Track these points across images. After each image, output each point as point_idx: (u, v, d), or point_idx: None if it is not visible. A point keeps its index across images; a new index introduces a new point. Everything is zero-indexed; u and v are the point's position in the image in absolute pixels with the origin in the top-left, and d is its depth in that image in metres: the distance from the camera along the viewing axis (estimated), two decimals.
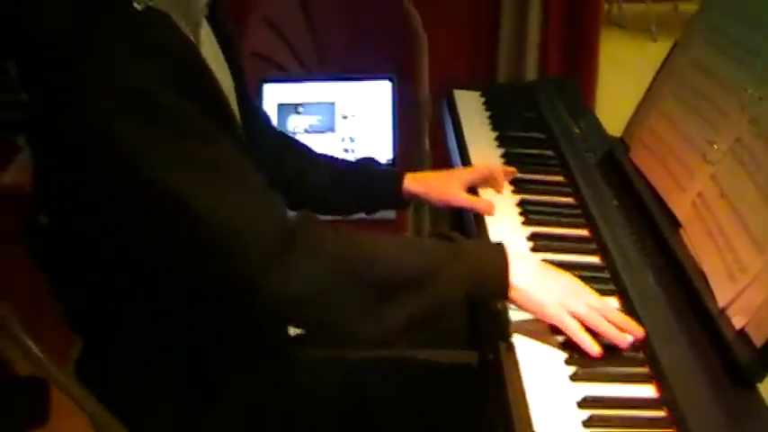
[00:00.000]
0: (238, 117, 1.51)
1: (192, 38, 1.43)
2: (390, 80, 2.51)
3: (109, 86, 1.23)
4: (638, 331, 1.36)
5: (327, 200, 1.88)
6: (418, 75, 2.63)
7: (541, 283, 1.40)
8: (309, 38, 2.80)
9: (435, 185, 1.84)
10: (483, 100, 2.32)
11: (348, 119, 2.52)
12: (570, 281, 1.43)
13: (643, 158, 1.82)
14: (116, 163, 1.25)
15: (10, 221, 1.58)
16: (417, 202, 1.91)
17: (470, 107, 2.29)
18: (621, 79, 4.81)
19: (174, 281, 1.38)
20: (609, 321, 1.36)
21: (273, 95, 2.51)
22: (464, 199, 1.80)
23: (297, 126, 2.51)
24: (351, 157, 2.44)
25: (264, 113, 1.94)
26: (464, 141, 2.10)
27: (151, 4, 1.32)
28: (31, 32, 1.29)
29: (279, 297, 1.30)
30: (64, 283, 1.51)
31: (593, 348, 1.33)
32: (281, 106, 2.52)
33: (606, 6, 4.55)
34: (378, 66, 2.60)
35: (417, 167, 2.52)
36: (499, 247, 1.44)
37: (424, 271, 1.36)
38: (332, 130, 2.52)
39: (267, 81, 2.52)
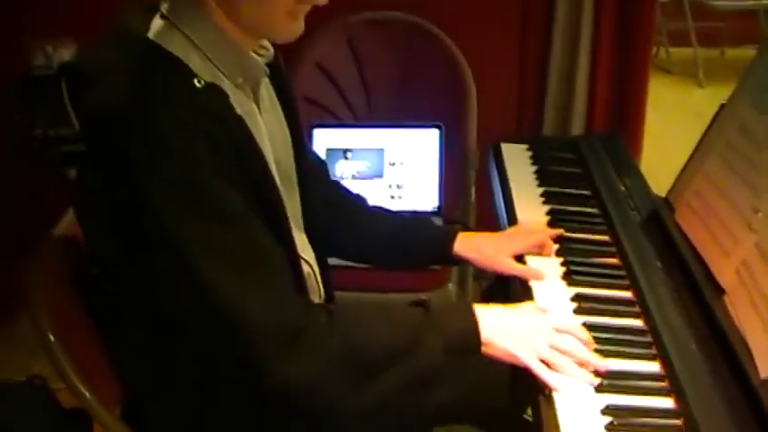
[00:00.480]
0: (284, 197, 1.56)
1: (251, 100, 1.53)
2: (438, 128, 2.54)
3: (158, 169, 1.30)
4: (601, 365, 1.48)
5: (377, 253, 1.94)
6: (466, 124, 2.67)
7: (509, 334, 1.51)
8: (360, 84, 2.84)
9: (485, 252, 1.87)
10: (530, 154, 2.34)
11: (396, 166, 2.55)
12: (534, 322, 1.55)
13: (688, 221, 1.83)
14: (154, 240, 1.33)
15: (65, 267, 1.63)
16: (466, 263, 1.94)
17: (517, 161, 2.31)
18: (667, 125, 4.84)
19: (196, 354, 1.45)
20: (572, 356, 1.48)
21: (323, 140, 2.55)
22: (513, 267, 1.83)
23: (345, 171, 2.55)
24: (397, 203, 2.49)
25: (321, 161, 2.00)
26: (510, 196, 2.13)
27: (212, 80, 1.39)
28: (94, 102, 1.35)
29: (281, 383, 1.36)
30: (107, 331, 1.58)
31: (557, 385, 1.44)
32: (329, 151, 2.56)
33: (653, 50, 4.55)
34: (426, 114, 2.64)
35: (462, 216, 2.57)
36: (467, 306, 1.53)
37: (402, 345, 1.45)
38: (379, 176, 2.56)
39: (317, 126, 2.56)
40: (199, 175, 1.31)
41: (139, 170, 1.30)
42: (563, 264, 1.81)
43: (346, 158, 2.56)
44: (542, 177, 2.21)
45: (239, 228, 1.36)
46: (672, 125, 4.98)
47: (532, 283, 1.77)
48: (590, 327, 1.57)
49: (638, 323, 1.62)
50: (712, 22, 5.93)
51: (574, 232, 1.94)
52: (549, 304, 1.66)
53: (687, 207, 1.86)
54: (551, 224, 1.98)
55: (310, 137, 2.53)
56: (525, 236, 1.91)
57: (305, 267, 1.67)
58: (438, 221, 2.48)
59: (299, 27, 1.46)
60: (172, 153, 1.30)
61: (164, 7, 1.45)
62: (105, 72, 1.37)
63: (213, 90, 1.38)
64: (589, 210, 2.05)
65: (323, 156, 2.52)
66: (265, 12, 1.41)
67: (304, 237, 1.73)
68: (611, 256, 1.86)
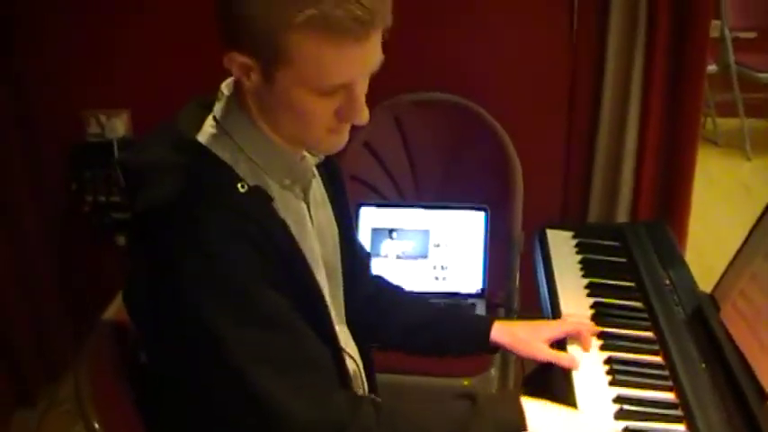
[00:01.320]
0: (328, 302, 1.59)
1: (300, 199, 1.57)
2: (484, 211, 2.55)
3: (202, 273, 1.34)
4: None
5: (415, 343, 1.94)
6: (512, 208, 2.68)
7: (554, 429, 1.53)
8: (407, 164, 2.87)
9: (521, 338, 1.87)
10: (575, 242, 2.35)
11: (440, 247, 2.57)
12: (579, 424, 1.57)
13: (733, 321, 1.82)
14: (199, 342, 1.36)
15: (114, 354, 1.65)
16: (504, 350, 1.94)
17: (562, 249, 2.31)
18: (714, 197, 4.81)
19: None
20: None
21: (369, 219, 2.58)
22: (549, 354, 1.83)
23: (390, 251, 2.57)
24: (441, 285, 2.50)
25: (366, 254, 2.00)
26: (555, 286, 2.13)
27: (257, 183, 1.42)
28: (144, 201, 1.39)
29: None
30: (153, 421, 1.59)
31: None
32: (375, 230, 2.58)
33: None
34: (472, 195, 2.65)
35: (506, 300, 2.57)
36: (514, 398, 1.56)
37: None
38: (424, 257, 2.57)
39: (364, 204, 2.58)
40: (242, 280, 1.35)
41: (184, 274, 1.34)
42: (606, 361, 1.81)
43: (391, 238, 2.58)
44: (587, 268, 2.21)
45: (283, 330, 1.40)
46: (718, 197, 4.95)
47: (575, 380, 1.76)
48: (632, 431, 1.57)
49: (680, 428, 1.61)
50: (760, 93, 5.90)
51: (618, 327, 1.93)
52: (590, 404, 1.66)
53: (732, 307, 1.85)
54: (595, 318, 1.98)
55: (356, 215, 2.55)
56: (560, 323, 1.93)
57: (348, 362, 1.69)
58: (481, 305, 2.49)
59: (342, 140, 1.49)
60: (216, 258, 1.33)
61: (216, 110, 1.50)
62: (156, 172, 1.41)
63: (257, 194, 1.42)
64: (633, 304, 2.04)
65: (368, 235, 2.55)
66: (306, 129, 1.45)
67: (347, 330, 1.75)
68: (655, 353, 1.85)
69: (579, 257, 2.27)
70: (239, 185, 1.40)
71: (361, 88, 1.42)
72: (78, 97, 3.21)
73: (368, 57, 1.37)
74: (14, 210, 3.04)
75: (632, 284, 2.13)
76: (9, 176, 3.01)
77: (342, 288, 1.73)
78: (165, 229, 1.36)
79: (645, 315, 1.99)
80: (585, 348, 1.86)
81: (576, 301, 2.06)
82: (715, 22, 5.30)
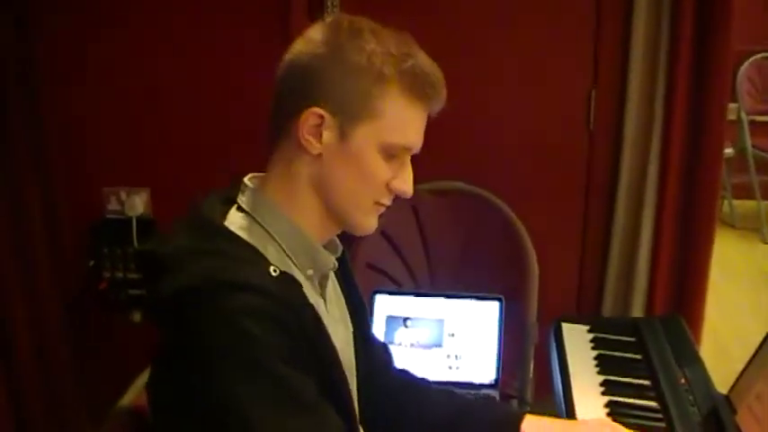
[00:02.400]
0: (351, 384, 1.60)
1: (318, 293, 1.58)
2: (499, 301, 2.55)
3: (232, 354, 1.34)
4: None
5: None
6: (527, 298, 2.68)
7: None
8: (423, 252, 2.88)
9: None
10: (590, 336, 2.35)
11: (455, 336, 2.56)
12: None
13: (748, 425, 1.81)
14: (226, 423, 1.35)
15: None
16: None
17: (577, 343, 2.32)
18: (730, 281, 4.80)
19: None
20: None
21: (383, 307, 2.57)
22: None
23: (404, 340, 2.56)
24: (455, 374, 2.49)
25: (386, 350, 1.99)
26: (569, 382, 2.12)
27: (287, 269, 1.44)
28: (172, 285, 1.39)
29: None
30: None
31: None
32: (389, 318, 2.57)
33: None
34: (487, 285, 2.65)
35: (520, 391, 2.56)
36: None
37: None
38: (438, 345, 2.56)
39: (379, 292, 2.58)
40: (272, 362, 1.35)
41: (214, 353, 1.34)
42: None
43: (406, 327, 2.57)
44: (603, 364, 2.21)
45: (311, 413, 1.40)
46: (735, 282, 4.94)
47: None
48: None
49: None
50: None
51: (633, 428, 1.91)
52: None
53: (748, 410, 1.84)
54: (610, 418, 1.96)
55: (371, 303, 2.55)
56: (594, 428, 1.85)
57: None
58: (494, 395, 2.48)
59: (375, 224, 1.56)
60: (246, 339, 1.33)
61: (242, 201, 1.53)
62: (186, 257, 1.42)
63: (288, 279, 1.44)
64: (648, 404, 2.04)
65: (382, 323, 2.54)
66: (359, 196, 1.50)
67: (360, 429, 1.74)
68: None
69: (595, 353, 2.27)
70: (271, 269, 1.42)
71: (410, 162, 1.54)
72: (99, 174, 3.24)
73: (423, 128, 1.53)
74: (34, 284, 3.05)
75: (648, 383, 2.12)
76: (30, 250, 3.03)
77: (356, 386, 1.73)
78: (195, 311, 1.36)
79: (660, 416, 1.99)
80: None
81: (590, 399, 2.06)
82: (731, 106, 5.36)
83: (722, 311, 4.08)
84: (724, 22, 2.78)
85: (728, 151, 5.45)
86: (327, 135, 1.45)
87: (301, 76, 1.46)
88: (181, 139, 3.18)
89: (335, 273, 1.70)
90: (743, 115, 5.76)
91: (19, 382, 2.95)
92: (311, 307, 1.45)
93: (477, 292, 2.58)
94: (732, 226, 5.91)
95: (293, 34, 1.51)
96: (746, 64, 5.84)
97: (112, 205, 3.26)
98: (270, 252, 1.48)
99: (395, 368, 1.97)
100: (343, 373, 1.54)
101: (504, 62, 3.02)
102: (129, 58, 3.11)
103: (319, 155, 1.47)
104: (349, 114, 1.44)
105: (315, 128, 1.45)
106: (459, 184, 2.85)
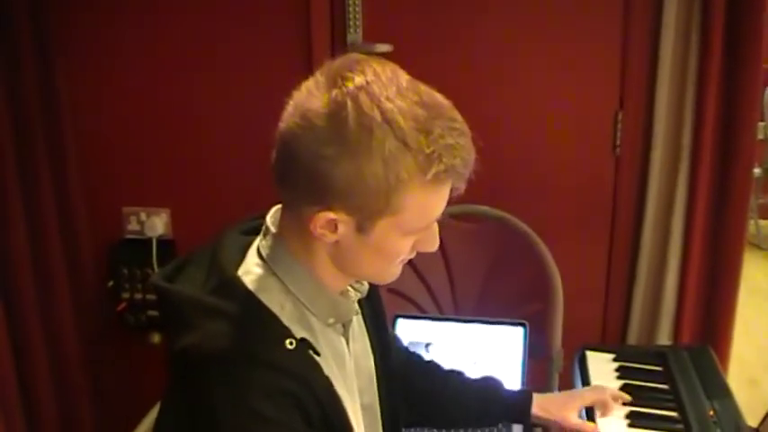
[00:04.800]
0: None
1: (340, 334, 1.55)
2: (523, 326, 2.50)
3: (241, 426, 1.32)
4: None
5: (454, 417, 2.00)
6: (552, 324, 2.63)
7: None
8: (446, 278, 2.84)
9: (550, 409, 1.98)
10: (615, 366, 2.30)
11: (478, 362, 2.51)
12: None
13: None
14: None
15: None
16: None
17: (602, 372, 2.27)
18: (757, 305, 4.73)
19: None
20: None
21: (406, 331, 2.53)
22: (574, 422, 1.95)
23: None
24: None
25: (407, 352, 2.05)
26: (593, 413, 2.08)
27: (301, 325, 1.40)
28: (189, 347, 1.37)
29: None
30: None
31: None
32: (411, 343, 2.52)
33: None
34: (511, 310, 2.61)
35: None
36: None
37: None
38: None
39: (401, 317, 2.54)
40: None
41: (225, 429, 1.32)
42: None
43: (428, 351, 2.53)
44: (628, 394, 2.16)
45: None
46: (762, 305, 4.88)
47: None
48: None
49: None
50: None
51: None
52: None
53: None
54: None
55: (393, 328, 2.51)
56: (587, 391, 2.09)
57: None
58: (518, 427, 2.43)
59: (398, 272, 1.50)
60: (259, 419, 1.31)
61: (262, 246, 1.48)
62: (195, 313, 1.39)
63: (303, 350, 1.40)
64: None
65: None
66: (382, 268, 1.46)
67: None
68: None
69: (620, 383, 2.22)
70: (287, 342, 1.38)
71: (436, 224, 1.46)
72: (119, 194, 3.23)
73: (447, 197, 1.41)
74: (52, 304, 3.04)
75: (675, 414, 2.08)
76: (49, 270, 3.02)
77: (380, 420, 1.70)
78: (206, 379, 1.34)
79: None
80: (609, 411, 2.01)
81: (615, 430, 2.01)
82: (759, 125, 5.30)
83: (749, 337, 4.03)
84: (753, 42, 2.73)
85: (756, 171, 5.39)
86: (343, 229, 1.37)
87: (306, 176, 1.33)
88: (201, 160, 3.17)
89: (363, 304, 1.68)
90: None
91: (35, 403, 2.94)
92: (327, 381, 1.42)
93: (501, 317, 2.54)
94: (758, 247, 5.86)
95: (315, 63, 1.40)
96: None
97: (132, 225, 3.25)
98: (287, 308, 1.44)
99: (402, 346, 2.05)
100: None
101: (528, 84, 2.98)
102: (149, 80, 3.11)
103: (337, 241, 1.40)
104: (366, 213, 1.34)
105: (328, 224, 1.37)
106: (484, 208, 2.80)
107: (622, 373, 2.28)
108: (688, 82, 2.83)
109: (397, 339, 2.02)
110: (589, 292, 3.08)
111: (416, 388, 1.93)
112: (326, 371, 1.43)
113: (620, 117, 2.97)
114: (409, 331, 2.54)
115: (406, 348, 2.03)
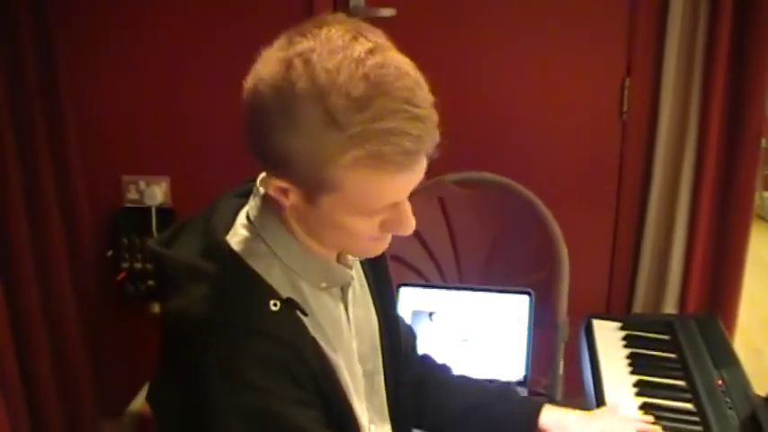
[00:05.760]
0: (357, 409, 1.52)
1: (336, 299, 1.52)
2: (528, 295, 2.47)
3: (233, 400, 1.30)
4: None
5: (462, 427, 1.86)
6: (557, 293, 2.59)
7: None
8: (450, 246, 2.80)
9: (568, 430, 1.78)
10: (622, 334, 2.27)
11: (482, 331, 2.48)
12: None
13: None
14: None
15: None
16: None
17: (609, 341, 2.24)
18: (760, 276, 4.69)
19: None
20: None
21: (409, 300, 2.50)
22: None
23: (429, 334, 2.49)
24: (481, 371, 2.42)
25: (412, 335, 1.96)
26: (600, 382, 2.06)
27: (291, 289, 1.37)
28: (177, 311, 1.35)
29: None
30: None
31: None
32: (415, 312, 2.50)
33: None
34: (517, 279, 2.58)
35: (549, 389, 2.48)
36: None
37: None
38: (465, 341, 2.48)
39: (404, 285, 2.51)
40: (275, 407, 1.31)
41: (215, 398, 1.30)
42: None
43: (431, 321, 2.50)
44: (635, 363, 2.13)
45: None
46: (765, 275, 4.84)
47: None
48: None
49: None
50: None
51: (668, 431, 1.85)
52: None
53: None
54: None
55: (396, 296, 2.47)
56: (613, 420, 1.83)
57: None
58: (523, 393, 2.40)
59: (384, 246, 1.44)
60: (247, 386, 1.29)
61: (250, 207, 1.45)
62: (183, 278, 1.36)
63: (288, 311, 1.37)
64: (684, 406, 1.96)
65: (408, 317, 2.47)
66: (349, 243, 1.41)
67: (389, 428, 1.68)
68: None
69: (627, 351, 2.19)
70: (271, 303, 1.35)
71: (407, 204, 1.37)
72: (119, 163, 3.19)
73: (414, 180, 1.31)
74: (51, 273, 3.01)
75: (683, 384, 2.05)
76: (48, 239, 2.98)
77: (383, 387, 1.66)
78: (193, 346, 1.32)
79: (696, 419, 1.91)
80: None
81: (623, 401, 1.98)
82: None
83: (753, 308, 4.00)
84: (763, 9, 2.68)
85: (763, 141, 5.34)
86: (294, 198, 1.33)
87: (254, 141, 1.31)
88: (200, 128, 3.13)
89: (361, 262, 1.64)
90: None
91: (33, 372, 2.91)
92: (314, 342, 1.39)
93: (506, 285, 2.50)
94: (763, 218, 5.80)
95: None
96: None
97: (131, 194, 3.21)
98: (274, 272, 1.40)
99: (417, 354, 1.92)
100: (349, 403, 1.48)
101: (534, 51, 2.94)
102: (149, 48, 3.07)
103: (295, 207, 1.36)
104: (308, 186, 1.29)
105: (281, 191, 1.33)
106: (488, 175, 2.76)
107: (629, 341, 2.24)
108: (696, 50, 2.80)
109: (413, 346, 1.94)
110: (595, 260, 3.05)
111: (427, 395, 1.87)
112: (313, 332, 1.40)
113: (627, 84, 2.92)
114: (413, 300, 2.51)
115: (422, 357, 1.95)
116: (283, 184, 1.31)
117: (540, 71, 2.95)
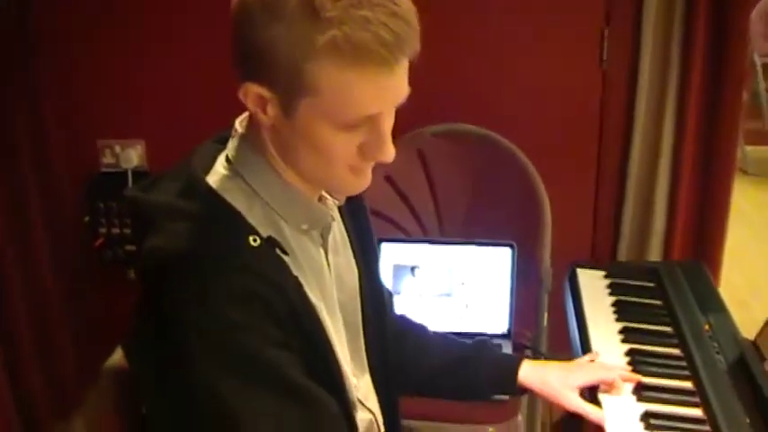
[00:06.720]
0: (340, 355, 1.48)
1: (317, 245, 1.48)
2: (511, 247, 2.44)
3: (212, 339, 1.26)
4: None
5: (442, 384, 1.84)
6: (540, 244, 2.57)
7: None
8: (430, 198, 2.77)
9: (551, 384, 1.77)
10: (607, 282, 2.25)
11: (465, 285, 2.46)
12: None
13: None
14: (207, 406, 1.28)
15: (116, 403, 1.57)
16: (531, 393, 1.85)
17: (594, 290, 2.22)
18: (745, 229, 4.69)
19: None
20: None
21: (390, 255, 2.47)
22: (577, 405, 1.73)
23: (411, 289, 2.46)
24: (465, 325, 2.40)
25: (390, 294, 1.90)
26: (586, 331, 2.04)
27: (272, 229, 1.33)
28: (153, 251, 1.30)
29: None
30: None
31: None
32: (396, 267, 2.47)
33: None
34: (499, 231, 2.55)
35: (534, 341, 2.46)
36: None
37: None
38: (448, 295, 2.46)
39: (385, 241, 2.48)
40: (252, 345, 1.27)
41: (193, 338, 1.26)
42: (643, 416, 1.70)
43: (413, 275, 2.47)
44: (621, 311, 2.11)
45: (291, 391, 1.30)
46: (749, 229, 4.84)
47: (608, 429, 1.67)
48: None
49: None
50: None
51: (655, 377, 1.82)
52: None
53: None
54: (631, 366, 1.87)
55: (378, 252, 2.44)
56: (594, 369, 1.83)
57: (366, 416, 1.60)
58: (507, 346, 2.39)
59: (365, 182, 1.40)
60: (222, 321, 1.25)
61: (229, 148, 1.42)
62: (163, 218, 1.32)
63: (270, 248, 1.33)
64: (671, 351, 1.94)
65: (389, 272, 2.45)
66: (326, 169, 1.36)
67: (369, 380, 1.65)
68: (695, 406, 1.74)
69: (612, 299, 2.17)
70: (251, 239, 1.31)
71: (387, 123, 1.32)
72: (94, 127, 3.14)
73: (394, 87, 1.28)
74: (28, 241, 2.96)
75: (669, 330, 2.03)
76: (23, 206, 2.93)
77: (362, 335, 1.63)
78: (171, 285, 1.27)
79: (683, 363, 1.90)
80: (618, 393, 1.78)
81: (609, 348, 1.96)
82: None
83: (736, 259, 3.98)
84: None
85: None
86: (272, 110, 1.30)
87: (237, 44, 1.28)
88: (174, 90, 3.08)
89: (342, 213, 1.61)
90: (756, 58, 5.62)
91: (13, 340, 2.87)
92: (295, 281, 1.35)
93: (488, 238, 2.48)
94: (745, 172, 5.79)
95: None
96: (760, 3, 5.66)
97: (107, 159, 3.16)
98: (255, 211, 1.37)
99: (395, 313, 1.88)
100: (332, 347, 1.43)
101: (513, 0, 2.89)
102: (122, 10, 3.01)
103: (273, 125, 1.33)
104: (285, 91, 1.26)
105: (258, 101, 1.30)
106: (468, 127, 2.73)
107: (614, 289, 2.22)
108: None
109: (390, 302, 1.88)
110: (578, 210, 3.01)
111: (405, 352, 1.82)
112: (296, 271, 1.36)
113: (606, 33, 2.88)
114: (394, 255, 2.48)
115: (399, 317, 1.91)
116: (262, 91, 1.27)
117: (518, 22, 2.90)
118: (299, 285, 1.35)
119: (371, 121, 1.30)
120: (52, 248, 3.07)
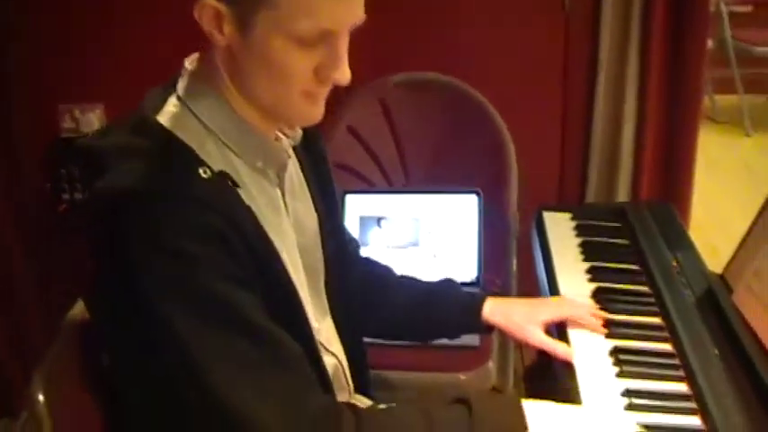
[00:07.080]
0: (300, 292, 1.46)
1: (274, 185, 1.46)
2: (477, 194, 2.41)
3: (162, 274, 1.23)
4: None
5: (403, 325, 1.86)
6: (506, 190, 2.55)
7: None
8: (394, 149, 2.74)
9: (515, 320, 1.77)
10: (573, 224, 2.23)
11: (432, 234, 2.43)
12: (585, 424, 1.43)
13: (747, 303, 1.70)
14: (160, 343, 1.25)
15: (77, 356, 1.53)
16: (496, 330, 1.84)
17: (560, 232, 2.20)
18: (713, 175, 4.70)
19: None
20: None
21: (356, 207, 2.44)
22: (542, 341, 1.73)
23: (378, 240, 2.43)
24: (434, 273, 2.36)
25: (352, 239, 1.90)
26: (553, 272, 2.02)
27: (226, 166, 1.30)
28: (100, 191, 1.27)
29: None
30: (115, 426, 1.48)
31: None
32: (362, 219, 2.44)
33: None
34: (464, 179, 2.52)
35: (503, 288, 2.44)
36: (514, 401, 1.42)
37: None
38: (415, 245, 2.43)
39: (349, 192, 2.45)
40: (205, 279, 1.23)
41: (143, 271, 1.22)
42: (612, 351, 1.68)
43: (380, 227, 2.44)
44: (588, 251, 2.09)
45: (249, 331, 1.27)
46: (718, 175, 4.86)
47: (578, 371, 1.65)
48: (645, 427, 1.45)
49: (695, 421, 1.49)
50: (757, 68, 5.79)
51: (623, 314, 1.81)
52: (597, 398, 1.55)
53: (746, 289, 1.72)
54: (598, 305, 1.85)
55: (342, 204, 2.42)
56: (560, 305, 1.83)
57: (330, 360, 1.59)
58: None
59: (318, 112, 1.38)
60: (177, 256, 1.22)
61: (179, 87, 1.39)
62: (113, 157, 1.29)
63: (220, 180, 1.31)
64: (639, 288, 1.93)
65: (356, 224, 2.42)
66: (281, 93, 1.34)
67: (331, 325, 1.63)
68: (664, 341, 1.73)
69: (579, 240, 2.16)
70: (201, 171, 1.28)
71: (343, 44, 1.32)
72: (52, 92, 3.09)
73: (351, 3, 1.28)
74: None
75: (637, 267, 2.02)
76: None
77: (323, 280, 1.61)
78: (122, 221, 1.24)
79: (651, 300, 1.88)
80: (591, 329, 1.76)
81: (577, 287, 1.95)
82: None
83: (706, 205, 4.00)
84: None
85: (709, 43, 5.31)
86: (228, 28, 1.28)
87: None
88: (134, 51, 3.03)
89: (300, 158, 1.59)
90: (722, 6, 5.60)
91: None
92: (248, 210, 1.33)
93: (454, 186, 2.45)
94: (714, 120, 5.80)
95: None
96: None
97: (67, 123, 3.11)
98: (208, 147, 1.34)
99: (360, 257, 1.88)
100: (292, 282, 1.41)
101: None
102: None
103: (228, 47, 1.31)
104: (242, 3, 1.26)
105: (214, 19, 1.28)
106: (430, 75, 2.70)
107: (580, 231, 2.20)
108: None
109: (355, 247, 1.90)
110: (544, 155, 2.99)
111: (371, 296, 1.83)
112: (248, 202, 1.33)
113: None
114: (359, 207, 2.45)
115: (365, 260, 1.91)
116: (219, 6, 1.26)
117: None
118: (255, 217, 1.33)
119: (327, 40, 1.29)
120: (16, 215, 3.03)
